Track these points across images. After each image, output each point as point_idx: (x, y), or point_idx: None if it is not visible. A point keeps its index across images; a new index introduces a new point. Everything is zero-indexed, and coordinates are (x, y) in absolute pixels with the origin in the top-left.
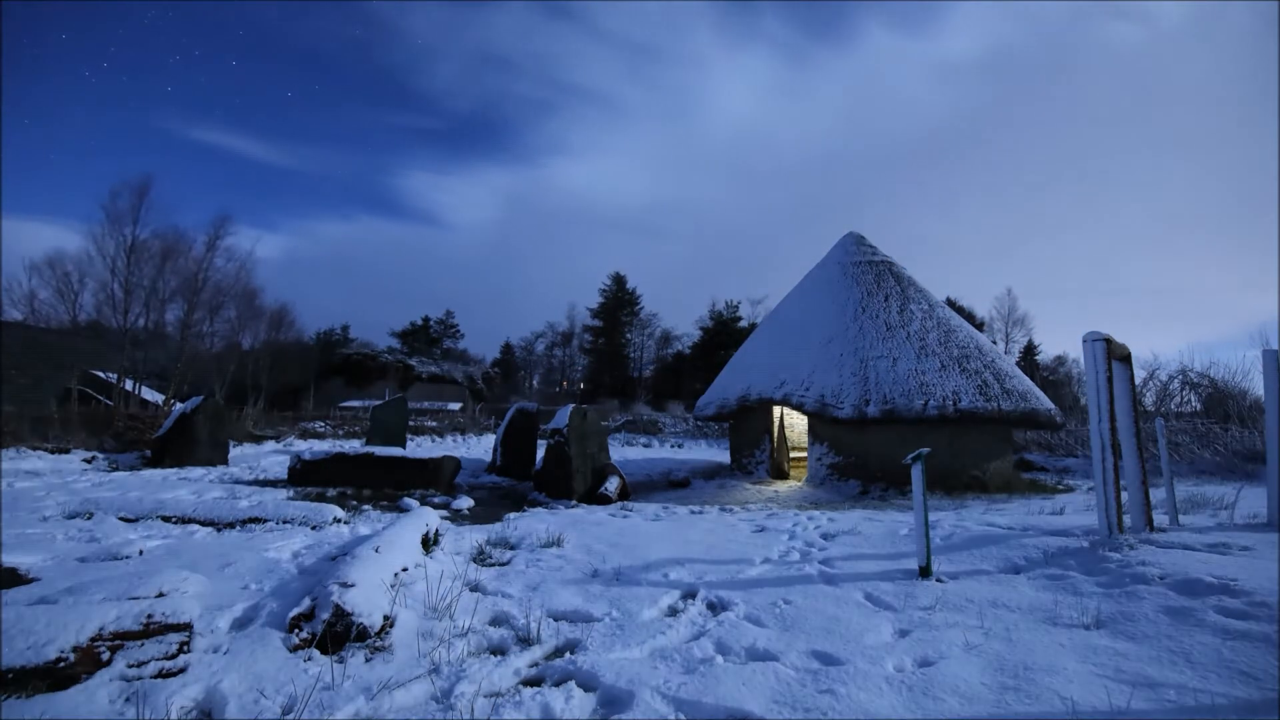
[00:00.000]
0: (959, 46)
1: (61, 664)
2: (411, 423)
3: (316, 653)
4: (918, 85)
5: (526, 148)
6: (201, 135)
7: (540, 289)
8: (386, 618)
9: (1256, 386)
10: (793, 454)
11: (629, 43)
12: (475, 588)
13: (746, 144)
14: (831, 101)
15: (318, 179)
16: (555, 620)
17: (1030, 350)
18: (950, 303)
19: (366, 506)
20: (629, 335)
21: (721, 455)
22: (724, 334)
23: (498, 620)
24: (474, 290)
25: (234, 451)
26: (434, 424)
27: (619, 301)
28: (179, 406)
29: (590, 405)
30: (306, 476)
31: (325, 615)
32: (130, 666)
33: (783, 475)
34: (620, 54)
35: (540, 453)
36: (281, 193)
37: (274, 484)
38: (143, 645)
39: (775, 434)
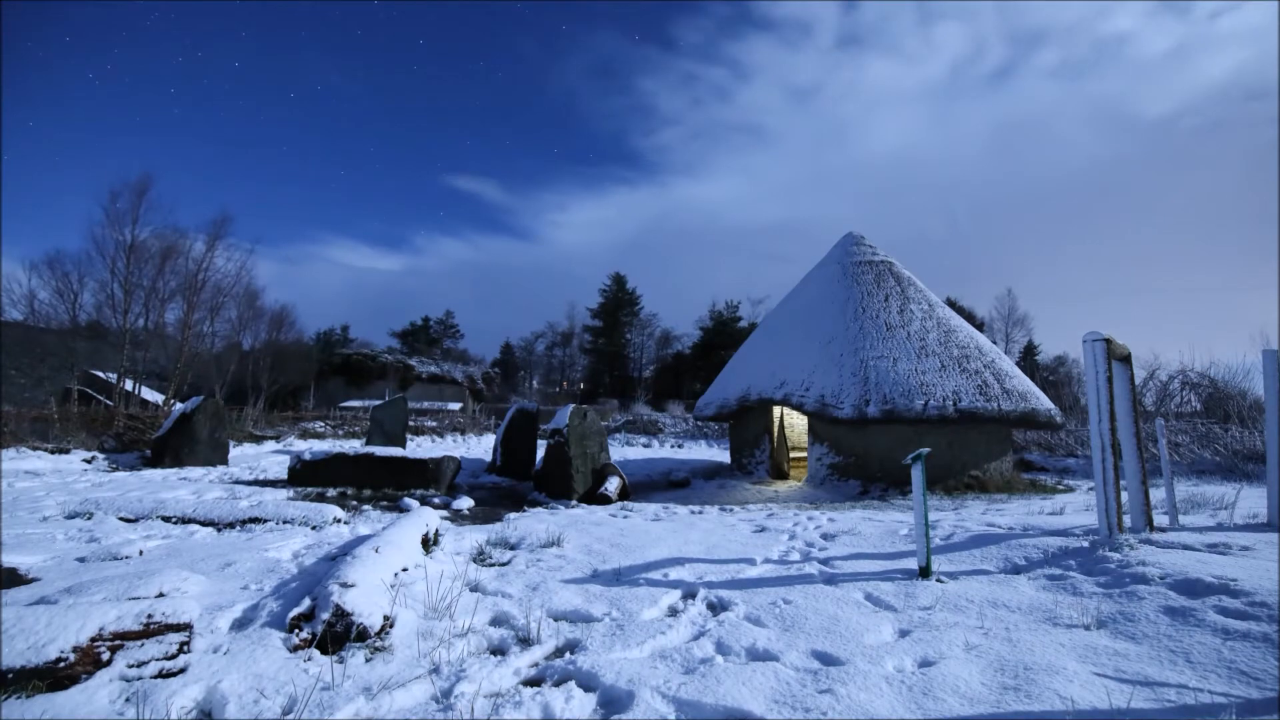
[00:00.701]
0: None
1: (61, 664)
2: (411, 423)
3: (316, 653)
4: (1071, 126)
5: (655, 168)
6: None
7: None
8: (386, 618)
9: (1256, 386)
10: (793, 454)
11: (788, 83)
12: (475, 588)
13: (888, 170)
14: (975, 135)
15: (462, 204)
16: (555, 620)
17: (1030, 350)
18: (950, 303)
19: (366, 506)
20: (629, 335)
21: (721, 455)
22: (724, 334)
23: (498, 620)
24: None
25: (234, 451)
26: (434, 424)
27: (619, 301)
28: (179, 406)
29: (590, 405)
30: (306, 476)
31: (325, 615)
32: (130, 667)
33: (783, 475)
34: (780, 92)
35: (540, 453)
36: (423, 213)
37: (274, 484)
38: (143, 645)
39: (775, 434)
